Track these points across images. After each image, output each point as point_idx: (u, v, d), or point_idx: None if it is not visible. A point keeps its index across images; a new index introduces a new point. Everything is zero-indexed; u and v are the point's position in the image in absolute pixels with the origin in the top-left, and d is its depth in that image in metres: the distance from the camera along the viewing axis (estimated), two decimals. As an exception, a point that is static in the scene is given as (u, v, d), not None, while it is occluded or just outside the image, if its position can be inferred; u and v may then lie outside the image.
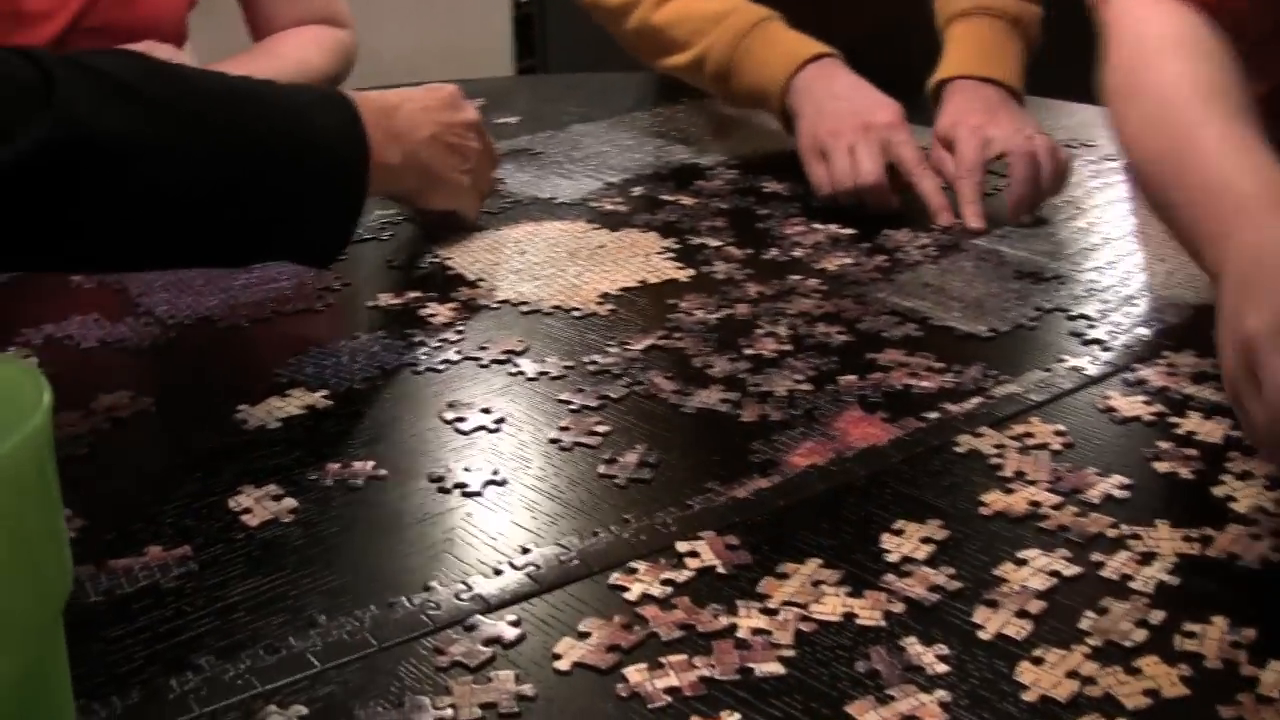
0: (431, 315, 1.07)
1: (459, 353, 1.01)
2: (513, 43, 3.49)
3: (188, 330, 1.07)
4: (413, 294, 1.11)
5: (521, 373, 0.98)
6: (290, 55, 1.61)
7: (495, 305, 1.09)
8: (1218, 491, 0.82)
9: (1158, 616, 0.71)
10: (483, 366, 0.99)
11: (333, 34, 1.67)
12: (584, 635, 0.71)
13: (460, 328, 1.05)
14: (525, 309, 1.08)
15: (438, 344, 1.02)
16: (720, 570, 0.75)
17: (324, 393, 0.96)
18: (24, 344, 1.04)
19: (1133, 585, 0.74)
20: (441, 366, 0.99)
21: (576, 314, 1.07)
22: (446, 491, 0.84)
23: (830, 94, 1.34)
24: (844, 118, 1.30)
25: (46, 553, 0.49)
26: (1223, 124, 0.93)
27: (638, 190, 1.34)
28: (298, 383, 0.97)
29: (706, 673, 0.68)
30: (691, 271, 1.14)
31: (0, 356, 0.53)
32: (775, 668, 0.68)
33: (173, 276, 1.16)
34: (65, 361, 1.02)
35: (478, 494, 0.84)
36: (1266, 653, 0.68)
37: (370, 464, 0.87)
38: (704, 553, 0.77)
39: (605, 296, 1.10)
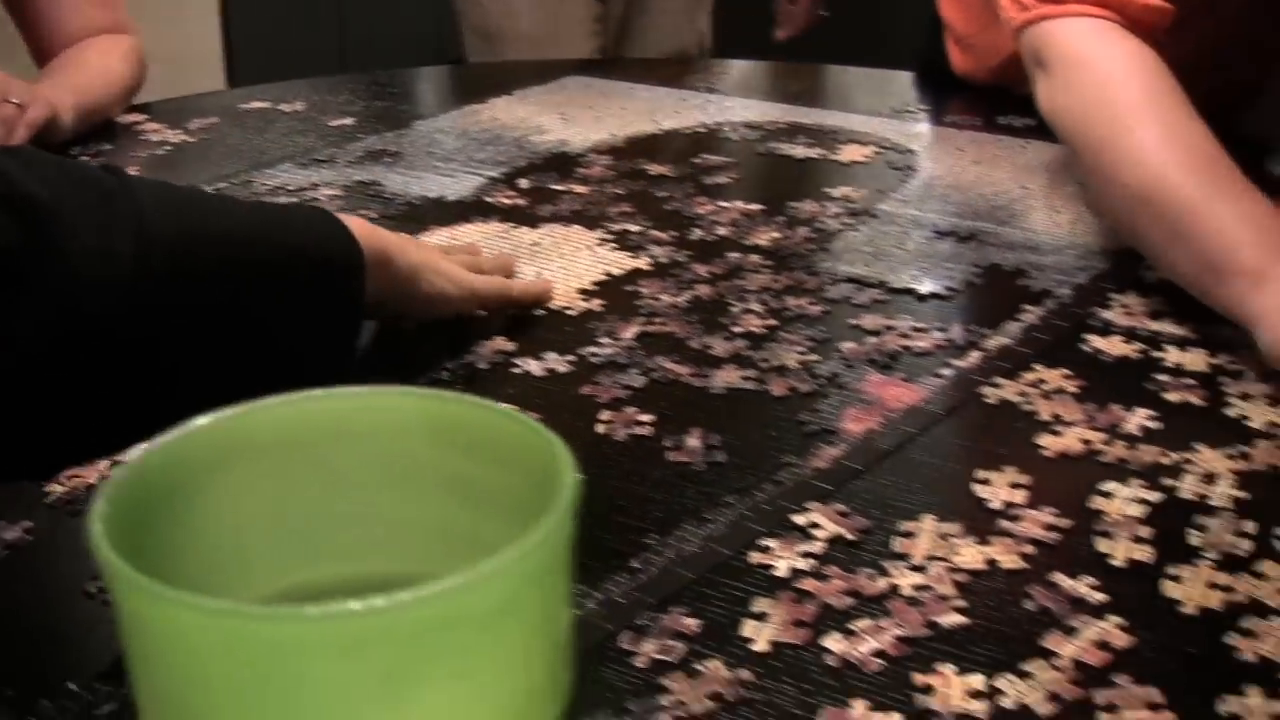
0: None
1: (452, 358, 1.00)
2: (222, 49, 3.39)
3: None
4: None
5: (528, 373, 0.98)
6: (95, 66, 1.55)
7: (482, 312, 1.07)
8: (1230, 413, 0.90)
9: (1251, 526, 0.78)
10: (483, 369, 0.99)
11: (127, 41, 1.61)
12: (762, 616, 0.73)
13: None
14: (513, 312, 1.07)
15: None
16: (849, 537, 0.79)
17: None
18: None
19: (1213, 502, 0.81)
20: (443, 375, 0.98)
21: (571, 312, 1.07)
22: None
23: None
24: None
25: (552, 654, 0.48)
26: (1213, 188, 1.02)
27: (524, 183, 1.35)
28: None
29: (899, 632, 0.71)
30: (649, 260, 1.16)
31: (505, 410, 0.51)
32: (958, 619, 0.72)
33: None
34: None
35: (564, 495, 0.84)
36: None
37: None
38: (824, 522, 0.80)
39: (584, 292, 1.10)
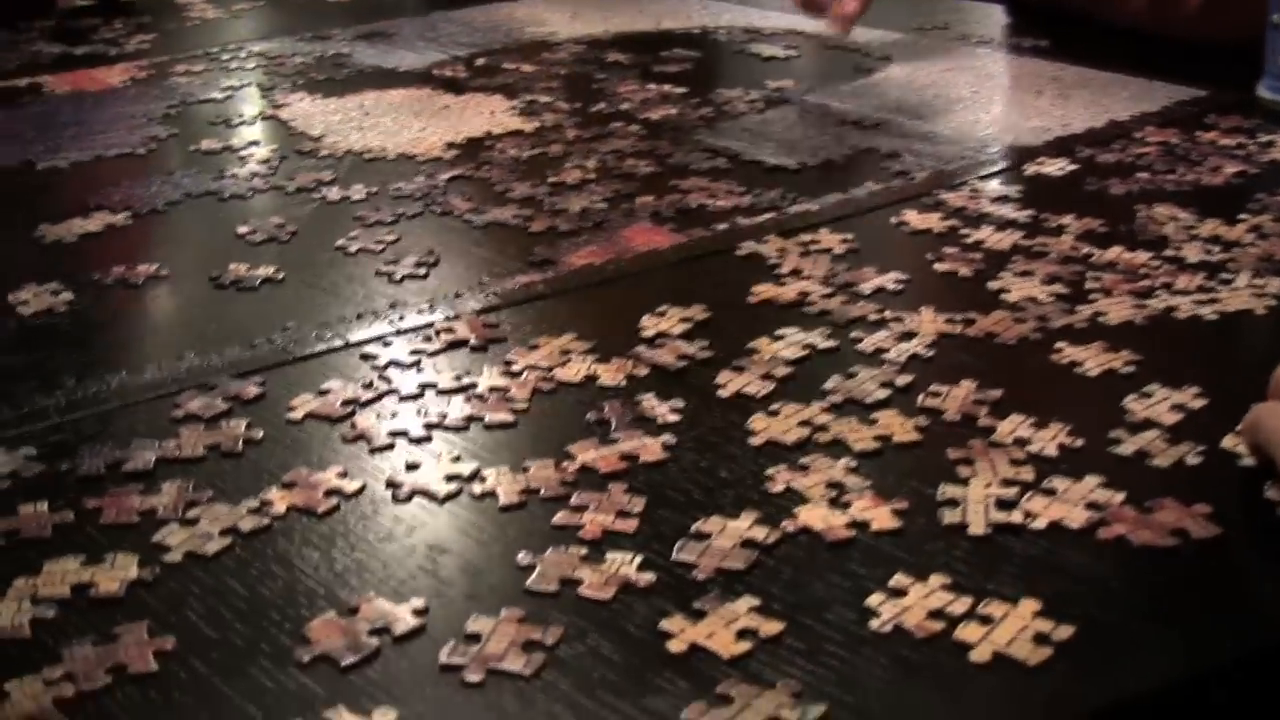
0: (249, 154, 1.07)
1: (267, 183, 1.01)
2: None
3: (6, 173, 1.07)
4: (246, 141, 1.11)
5: (324, 198, 0.98)
6: None
7: (340, 156, 1.08)
8: (992, 285, 0.82)
9: (905, 380, 0.71)
10: (288, 194, 0.99)
11: None
12: (324, 393, 0.71)
13: (274, 164, 1.05)
14: (369, 156, 1.07)
15: (249, 176, 1.02)
16: (473, 343, 0.75)
17: (126, 214, 0.96)
18: None
19: (886, 356, 0.74)
20: (247, 194, 0.99)
21: (420, 159, 1.06)
22: (223, 288, 0.84)
23: None
24: None
25: None
26: None
27: (481, 61, 1.34)
28: (103, 207, 0.97)
29: (435, 420, 0.68)
30: (538, 124, 1.14)
31: None
32: (504, 416, 0.68)
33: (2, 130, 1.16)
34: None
35: (253, 289, 0.84)
36: (1010, 408, 0.67)
37: (155, 266, 0.87)
38: (459, 329, 0.77)
39: (450, 145, 1.09)
